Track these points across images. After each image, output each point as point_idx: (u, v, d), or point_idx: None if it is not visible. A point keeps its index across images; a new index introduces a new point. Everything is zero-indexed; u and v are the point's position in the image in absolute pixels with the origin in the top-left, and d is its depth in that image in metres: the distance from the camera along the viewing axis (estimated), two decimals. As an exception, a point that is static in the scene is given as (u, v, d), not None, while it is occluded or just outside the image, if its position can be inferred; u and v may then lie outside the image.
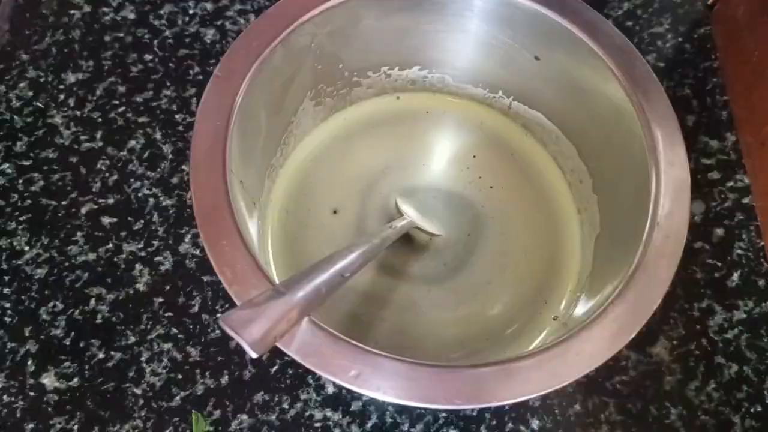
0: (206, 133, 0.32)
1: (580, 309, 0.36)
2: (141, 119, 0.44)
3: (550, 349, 0.28)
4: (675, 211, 0.31)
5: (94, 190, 0.41)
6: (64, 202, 0.41)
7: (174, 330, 0.37)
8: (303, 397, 0.36)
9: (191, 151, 0.31)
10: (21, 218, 0.40)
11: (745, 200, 0.43)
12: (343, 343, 0.27)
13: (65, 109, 0.44)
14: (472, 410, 0.36)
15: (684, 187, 0.32)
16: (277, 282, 0.28)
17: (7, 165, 0.42)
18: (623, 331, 0.28)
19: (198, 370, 0.36)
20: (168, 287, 0.39)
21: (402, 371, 0.27)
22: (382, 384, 0.26)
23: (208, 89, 0.33)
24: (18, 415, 0.35)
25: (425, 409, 0.36)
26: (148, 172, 0.42)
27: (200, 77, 0.45)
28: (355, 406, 0.36)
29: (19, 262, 0.39)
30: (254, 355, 0.22)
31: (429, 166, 0.42)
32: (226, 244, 0.29)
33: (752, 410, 0.37)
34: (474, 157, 0.43)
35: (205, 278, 0.39)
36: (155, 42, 0.47)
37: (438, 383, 0.26)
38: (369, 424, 0.36)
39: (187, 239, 0.40)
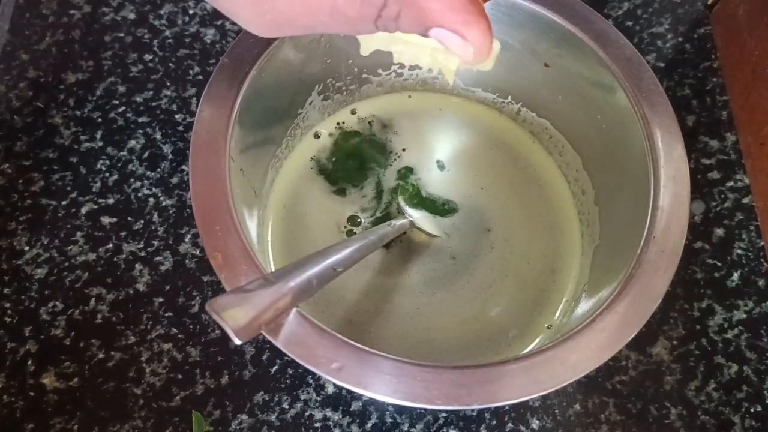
0: (209, 119, 0.32)
1: (574, 319, 0.36)
2: (141, 119, 0.44)
3: (533, 356, 0.27)
4: (672, 227, 0.31)
5: (94, 190, 0.41)
6: (64, 202, 0.41)
7: (174, 330, 0.37)
8: (303, 397, 0.36)
9: (192, 135, 0.31)
10: (21, 218, 0.40)
11: (745, 200, 0.43)
12: (328, 335, 0.27)
13: (65, 109, 0.44)
14: (472, 410, 0.36)
15: (683, 202, 0.32)
16: (272, 270, 0.28)
17: (7, 165, 0.42)
18: (610, 343, 0.28)
19: (198, 370, 0.36)
20: (168, 287, 0.39)
21: (385, 367, 0.27)
22: (363, 379, 0.26)
23: (214, 75, 0.33)
24: (18, 415, 0.35)
25: (425, 409, 0.36)
26: (148, 172, 0.42)
27: (200, 77, 0.45)
28: (355, 406, 0.36)
29: (19, 262, 0.39)
30: (238, 342, 0.23)
31: (435, 166, 0.42)
32: (219, 230, 0.29)
33: (752, 410, 0.37)
34: (481, 161, 0.43)
35: (205, 278, 0.39)
36: (155, 42, 0.47)
37: (420, 381, 0.26)
38: (369, 424, 0.36)
39: (187, 239, 0.40)
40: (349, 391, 0.37)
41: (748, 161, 0.44)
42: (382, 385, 0.26)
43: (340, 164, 0.42)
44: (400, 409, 0.36)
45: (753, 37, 0.45)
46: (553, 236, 0.40)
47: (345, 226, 0.40)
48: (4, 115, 0.43)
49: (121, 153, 0.43)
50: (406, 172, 0.42)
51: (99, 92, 0.44)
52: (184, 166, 0.42)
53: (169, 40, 0.47)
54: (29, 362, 0.36)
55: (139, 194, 0.41)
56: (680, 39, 0.49)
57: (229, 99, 0.32)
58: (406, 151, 0.42)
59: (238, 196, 0.32)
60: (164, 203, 0.41)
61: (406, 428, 0.36)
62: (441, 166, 0.42)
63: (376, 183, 0.41)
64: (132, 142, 0.43)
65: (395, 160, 0.42)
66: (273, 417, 0.36)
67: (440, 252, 0.39)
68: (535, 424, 0.36)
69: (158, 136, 0.43)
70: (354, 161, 0.42)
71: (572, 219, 0.41)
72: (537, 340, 0.37)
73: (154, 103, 0.44)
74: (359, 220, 0.40)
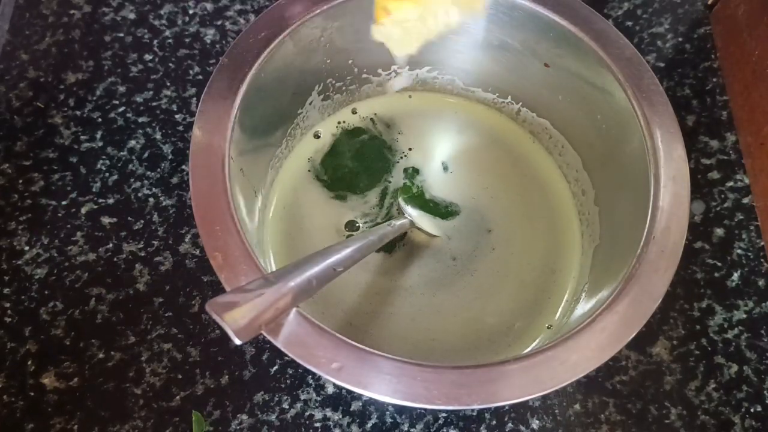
0: (209, 119, 0.32)
1: (574, 319, 0.36)
2: (141, 119, 0.44)
3: (533, 356, 0.27)
4: (672, 227, 0.31)
5: (94, 190, 0.41)
6: (64, 202, 0.41)
7: (174, 330, 0.37)
8: (303, 397, 0.36)
9: (192, 135, 0.31)
10: (21, 218, 0.40)
11: (745, 200, 0.43)
12: (328, 335, 0.27)
13: (65, 109, 0.44)
14: (472, 410, 0.36)
15: (683, 202, 0.32)
16: (272, 270, 0.28)
17: (7, 165, 0.42)
18: (610, 343, 0.28)
19: (198, 370, 0.36)
20: (168, 287, 0.39)
21: (385, 367, 0.27)
22: (363, 379, 0.26)
23: (214, 75, 0.33)
24: (18, 415, 0.35)
25: (425, 409, 0.36)
26: (148, 172, 0.42)
27: (200, 77, 0.45)
28: (355, 406, 0.36)
29: (19, 262, 0.39)
30: (238, 342, 0.23)
31: (436, 167, 0.42)
32: (219, 230, 0.29)
33: (752, 410, 0.37)
34: (481, 161, 0.43)
35: (205, 278, 0.39)
36: (155, 42, 0.47)
37: (420, 381, 0.26)
38: (369, 424, 0.36)
39: (187, 239, 0.40)
40: (349, 391, 0.37)
41: (748, 161, 0.44)
42: (382, 385, 0.26)
43: (342, 163, 0.42)
44: (400, 409, 0.36)
45: (753, 37, 0.45)
46: (553, 236, 0.40)
47: (344, 230, 0.40)
48: (4, 115, 0.43)
49: (121, 153, 0.43)
50: (413, 173, 0.42)
51: (99, 92, 0.44)
52: (184, 166, 0.42)
53: (169, 40, 0.47)
54: (29, 362, 0.36)
55: (139, 194, 0.41)
56: (680, 39, 0.49)
57: (229, 99, 0.32)
58: (412, 150, 0.43)
59: (238, 196, 0.32)
60: (164, 203, 0.41)
61: (406, 428, 0.36)
62: (445, 168, 0.42)
63: (381, 181, 0.41)
64: (132, 142, 0.43)
65: (402, 158, 0.42)
66: (273, 417, 0.36)
67: (441, 253, 0.39)
68: (535, 424, 0.36)
69: (158, 136, 0.43)
70: (358, 158, 0.42)
71: (572, 219, 0.41)
72: (537, 340, 0.37)
73: (154, 103, 0.44)
74: (357, 224, 0.40)
